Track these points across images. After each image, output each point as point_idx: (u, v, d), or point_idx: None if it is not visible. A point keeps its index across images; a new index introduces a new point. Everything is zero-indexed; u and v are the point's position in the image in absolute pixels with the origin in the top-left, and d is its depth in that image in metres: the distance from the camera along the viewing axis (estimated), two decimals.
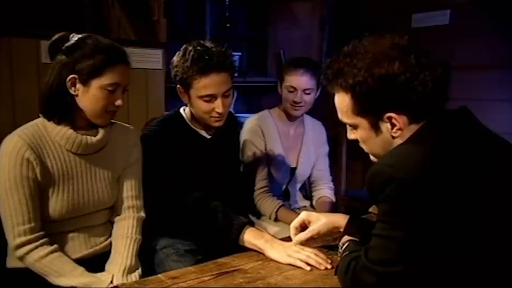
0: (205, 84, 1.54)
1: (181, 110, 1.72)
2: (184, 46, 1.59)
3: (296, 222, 1.33)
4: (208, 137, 1.72)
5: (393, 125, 1.03)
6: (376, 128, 1.07)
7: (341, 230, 1.28)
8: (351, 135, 1.13)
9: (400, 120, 1.02)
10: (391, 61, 0.99)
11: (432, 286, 0.97)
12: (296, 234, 1.32)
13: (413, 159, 0.95)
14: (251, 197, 2.01)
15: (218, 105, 1.57)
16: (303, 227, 1.33)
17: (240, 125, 2.00)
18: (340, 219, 1.29)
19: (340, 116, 1.12)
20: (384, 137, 1.07)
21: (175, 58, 1.60)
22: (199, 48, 1.55)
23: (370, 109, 1.05)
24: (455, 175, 0.93)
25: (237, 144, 1.97)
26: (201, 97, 1.56)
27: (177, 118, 1.70)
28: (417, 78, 0.98)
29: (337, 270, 1.13)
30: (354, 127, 1.11)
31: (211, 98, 1.57)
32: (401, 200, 0.93)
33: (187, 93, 1.60)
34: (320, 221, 1.29)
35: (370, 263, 0.99)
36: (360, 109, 1.07)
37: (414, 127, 1.03)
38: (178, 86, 1.61)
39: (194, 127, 1.70)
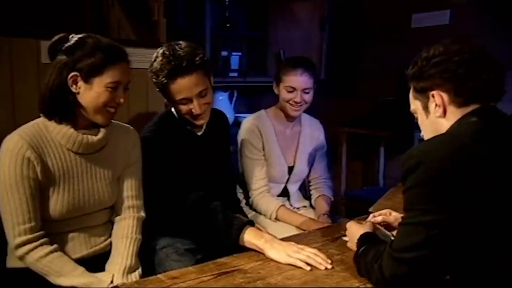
0: (177, 89, 1.54)
1: (172, 109, 1.73)
2: (157, 50, 1.57)
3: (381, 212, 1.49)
4: (199, 133, 1.74)
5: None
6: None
7: None
8: None
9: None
10: None
11: (458, 270, 0.98)
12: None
13: (447, 147, 0.97)
14: (251, 197, 2.01)
15: (194, 107, 1.57)
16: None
17: (226, 117, 1.98)
18: None
19: None
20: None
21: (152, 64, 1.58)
22: (167, 52, 1.53)
23: None
24: (486, 168, 0.94)
25: (226, 137, 1.96)
26: (176, 101, 1.57)
27: (170, 118, 1.71)
28: None
29: (361, 270, 1.15)
30: None
31: (187, 101, 1.57)
32: (429, 185, 0.95)
33: (165, 97, 1.61)
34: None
35: (397, 252, 1.00)
36: None
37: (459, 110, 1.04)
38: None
39: (185, 125, 1.71)
